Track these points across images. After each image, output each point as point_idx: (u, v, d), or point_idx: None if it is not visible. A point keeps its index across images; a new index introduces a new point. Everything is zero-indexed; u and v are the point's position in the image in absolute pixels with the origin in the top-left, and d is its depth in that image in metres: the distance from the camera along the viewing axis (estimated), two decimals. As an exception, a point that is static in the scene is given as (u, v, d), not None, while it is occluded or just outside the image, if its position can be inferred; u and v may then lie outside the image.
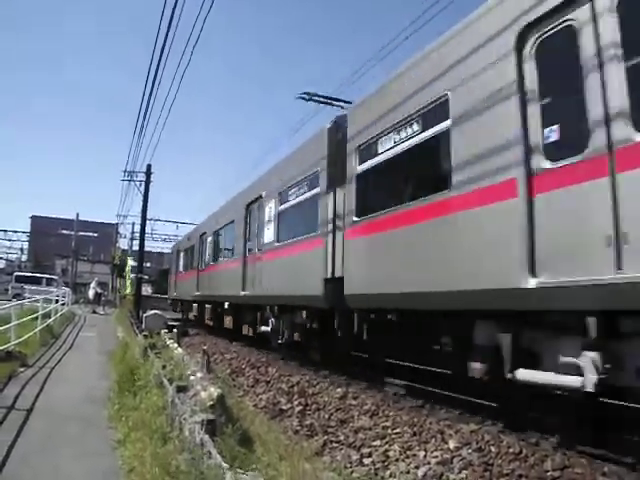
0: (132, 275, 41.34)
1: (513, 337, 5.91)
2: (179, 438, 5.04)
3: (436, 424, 6.57)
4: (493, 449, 5.57)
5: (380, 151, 8.58)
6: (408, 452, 5.77)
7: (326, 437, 6.53)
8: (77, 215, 58.22)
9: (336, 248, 9.70)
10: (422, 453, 5.67)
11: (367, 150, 8.98)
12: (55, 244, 74.05)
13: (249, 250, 14.96)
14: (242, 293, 14.64)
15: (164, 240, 60.50)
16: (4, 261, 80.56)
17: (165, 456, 4.74)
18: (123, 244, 57.60)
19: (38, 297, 18.53)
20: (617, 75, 4.75)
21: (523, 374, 5.68)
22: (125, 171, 30.31)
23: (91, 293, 37.05)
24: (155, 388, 7.37)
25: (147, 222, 30.70)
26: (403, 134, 7.98)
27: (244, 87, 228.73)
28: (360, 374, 9.95)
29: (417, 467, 5.33)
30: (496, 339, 6.12)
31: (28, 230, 78.14)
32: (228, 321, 21.48)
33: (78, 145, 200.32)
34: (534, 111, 5.56)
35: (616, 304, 4.67)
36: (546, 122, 5.43)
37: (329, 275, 9.75)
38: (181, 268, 28.62)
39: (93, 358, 13.21)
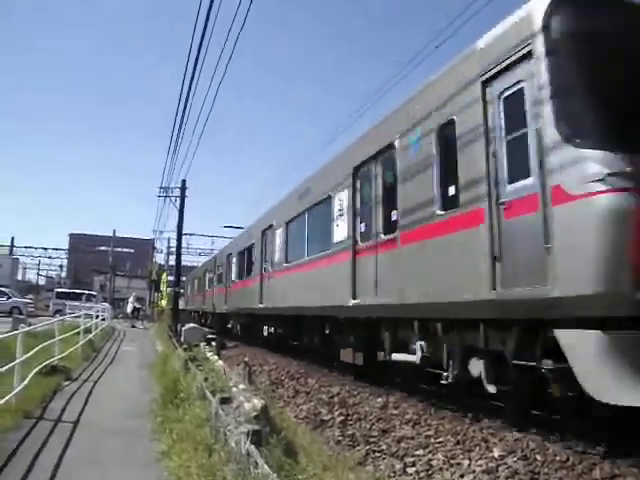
0: (169, 289, 42.12)
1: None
2: (224, 449, 5.08)
3: (479, 432, 6.50)
4: (539, 457, 5.48)
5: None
6: (452, 461, 5.72)
7: (368, 447, 6.51)
8: (114, 232, 59.61)
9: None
10: (466, 462, 5.61)
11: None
12: (93, 260, 75.65)
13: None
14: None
15: (199, 254, 61.68)
16: (44, 278, 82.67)
17: (211, 467, 4.79)
18: (159, 259, 58.48)
19: (79, 313, 18.93)
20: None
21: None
22: (161, 187, 30.86)
23: (129, 308, 37.72)
24: (198, 400, 7.45)
25: (182, 237, 31.12)
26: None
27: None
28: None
29: (462, 476, 5.28)
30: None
31: (67, 247, 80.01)
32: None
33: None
34: None
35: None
36: None
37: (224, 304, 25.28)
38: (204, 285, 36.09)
39: (134, 372, 13.47)
